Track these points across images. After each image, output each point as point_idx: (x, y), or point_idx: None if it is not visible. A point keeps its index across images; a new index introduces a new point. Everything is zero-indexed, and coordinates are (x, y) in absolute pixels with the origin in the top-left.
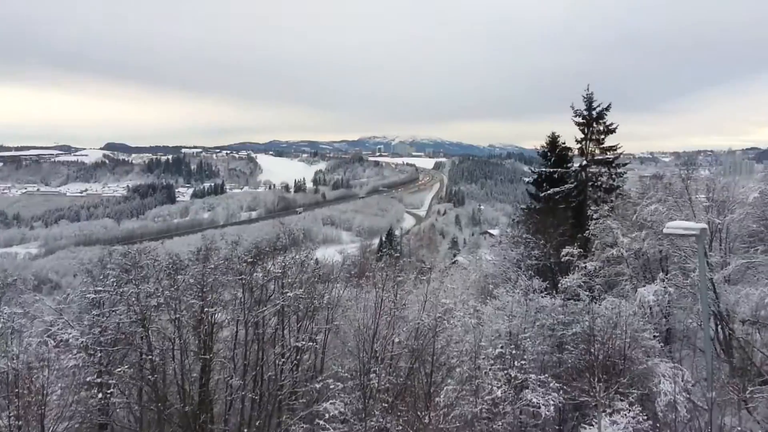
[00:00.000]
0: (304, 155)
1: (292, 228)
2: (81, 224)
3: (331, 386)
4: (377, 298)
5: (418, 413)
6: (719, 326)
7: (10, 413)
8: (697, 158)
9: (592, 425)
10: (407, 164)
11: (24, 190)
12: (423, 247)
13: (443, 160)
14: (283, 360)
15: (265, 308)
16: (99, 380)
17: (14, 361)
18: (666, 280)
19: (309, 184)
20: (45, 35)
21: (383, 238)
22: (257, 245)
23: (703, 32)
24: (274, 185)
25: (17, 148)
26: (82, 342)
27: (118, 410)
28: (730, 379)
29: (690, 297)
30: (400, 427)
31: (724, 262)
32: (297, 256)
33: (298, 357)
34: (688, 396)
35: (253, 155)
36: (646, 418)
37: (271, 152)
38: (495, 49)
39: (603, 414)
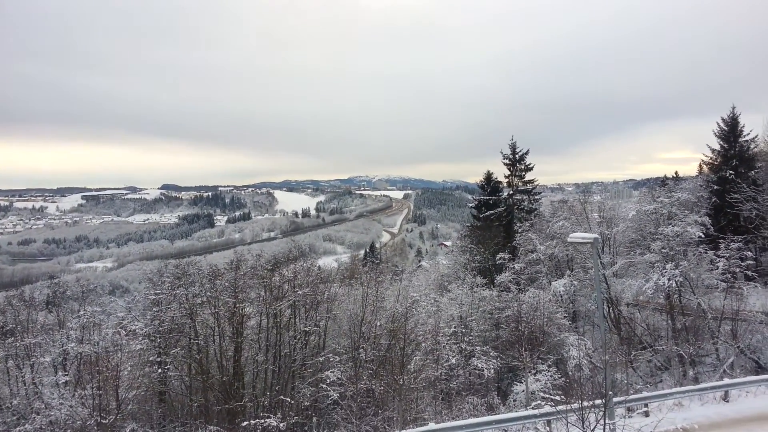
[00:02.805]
0: (309, 190)
1: (300, 244)
2: (144, 244)
3: (331, 359)
4: (363, 294)
5: (395, 377)
6: (610, 308)
7: (93, 385)
8: (591, 187)
9: (521, 382)
10: (384, 195)
11: (101, 220)
12: (396, 255)
13: (410, 192)
14: (295, 341)
15: (281, 303)
16: (159, 359)
17: (95, 346)
18: (571, 275)
19: (312, 212)
20: (123, 107)
21: (367, 250)
22: (275, 257)
23: (598, 97)
24: (287, 213)
25: (96, 189)
26: (146, 331)
27: (173, 381)
28: (619, 346)
29: (589, 287)
30: (382, 388)
31: (612, 262)
32: (304, 264)
33: (306, 338)
34: (589, 359)
35: (271, 191)
36: (560, 376)
37: (284, 188)
38: (446, 110)
39: (529, 374)
